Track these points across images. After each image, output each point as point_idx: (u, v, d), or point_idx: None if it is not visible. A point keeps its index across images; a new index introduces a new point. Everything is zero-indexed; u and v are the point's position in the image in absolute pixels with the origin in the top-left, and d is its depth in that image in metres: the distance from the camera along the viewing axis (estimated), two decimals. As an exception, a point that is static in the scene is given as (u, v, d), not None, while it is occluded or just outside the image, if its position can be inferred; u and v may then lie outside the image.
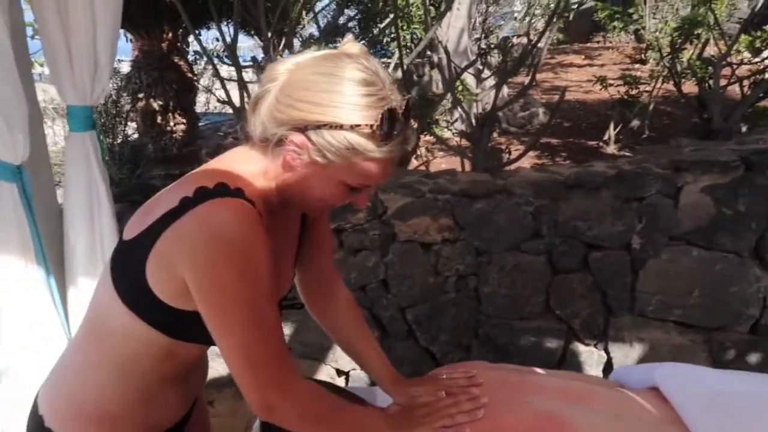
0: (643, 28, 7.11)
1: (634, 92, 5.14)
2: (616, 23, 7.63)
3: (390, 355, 1.24)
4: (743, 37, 4.58)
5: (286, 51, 3.59)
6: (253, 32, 4.17)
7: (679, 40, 4.76)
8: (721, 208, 2.28)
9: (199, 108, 5.39)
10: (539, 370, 1.20)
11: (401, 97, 0.86)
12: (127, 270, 0.87)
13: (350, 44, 0.87)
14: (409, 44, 4.34)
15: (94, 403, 0.92)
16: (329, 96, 0.80)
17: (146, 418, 0.96)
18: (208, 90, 4.66)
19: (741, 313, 2.35)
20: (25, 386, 1.95)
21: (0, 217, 2.13)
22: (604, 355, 2.49)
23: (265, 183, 0.89)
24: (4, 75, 1.87)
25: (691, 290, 2.37)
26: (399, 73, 3.16)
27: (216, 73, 3.22)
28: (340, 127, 0.80)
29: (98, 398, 0.92)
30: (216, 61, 3.56)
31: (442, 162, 5.19)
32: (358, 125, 0.80)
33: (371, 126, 0.80)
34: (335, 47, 0.91)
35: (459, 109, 3.91)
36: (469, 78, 4.50)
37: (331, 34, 4.17)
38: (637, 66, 7.80)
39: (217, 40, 3.47)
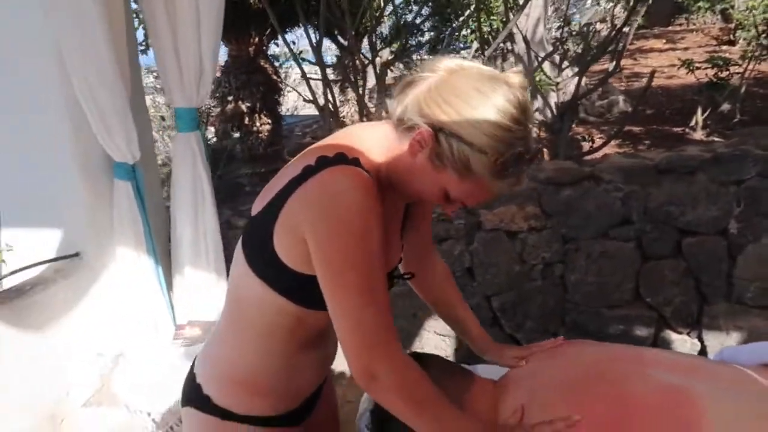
0: (732, 6, 6.75)
1: (723, 74, 4.90)
2: (701, 3, 7.29)
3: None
4: None
5: (368, 49, 3.69)
6: (336, 33, 4.30)
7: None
8: (828, 190, 2.17)
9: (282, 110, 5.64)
10: (640, 348, 1.20)
11: (534, 144, 0.89)
12: (256, 242, 0.94)
13: (514, 74, 0.89)
14: (486, 36, 4.34)
15: (243, 373, 1.02)
16: (474, 113, 0.84)
17: (288, 386, 1.04)
18: (295, 90, 4.84)
19: None
20: (140, 366, 2.16)
21: (118, 213, 2.37)
22: (698, 343, 2.43)
23: (383, 158, 0.94)
24: (112, 89, 2.09)
25: (794, 277, 2.27)
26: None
27: (303, 74, 3.36)
28: (470, 144, 0.84)
29: (246, 368, 1.02)
30: (300, 62, 3.70)
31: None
32: (485, 152, 0.84)
33: (495, 159, 0.84)
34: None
35: (539, 100, 3.89)
36: (546, 68, 4.45)
37: (406, 31, 4.26)
38: (725, 48, 7.40)
39: (294, 43, 3.61)
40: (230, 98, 4.08)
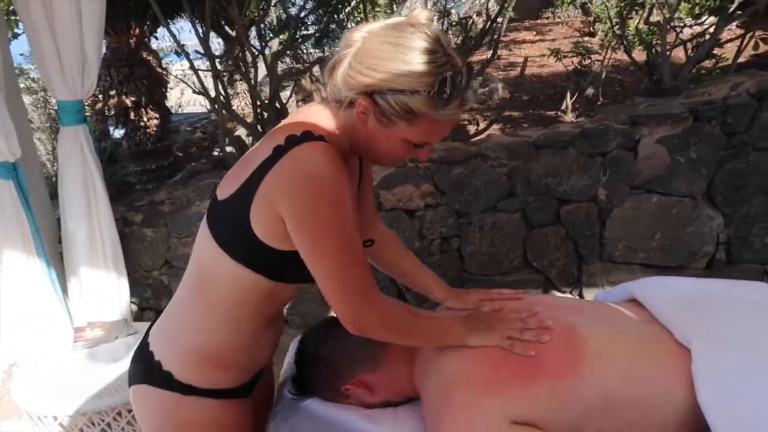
0: (590, 1, 7.40)
1: (586, 62, 5.39)
2: (564, -2, 7.91)
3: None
4: (684, 5, 4.87)
5: (256, 40, 3.68)
6: (223, 23, 4.22)
7: (625, 11, 5.02)
8: (675, 157, 2.51)
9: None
10: (546, 296, 1.38)
11: (461, 63, 0.92)
12: (230, 224, 0.98)
13: (417, 12, 0.96)
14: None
15: (209, 348, 1.05)
16: (392, 64, 0.89)
17: (249, 359, 1.10)
18: (183, 81, 4.69)
19: (698, 251, 2.61)
20: (40, 372, 2.05)
21: (1, 214, 2.22)
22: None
23: (338, 135, 1.00)
24: None
25: (652, 234, 2.61)
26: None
27: (191, 65, 3.29)
28: (401, 92, 0.89)
29: (213, 343, 1.05)
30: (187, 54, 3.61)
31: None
32: (417, 91, 0.89)
33: (428, 92, 0.89)
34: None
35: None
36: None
37: (294, 21, 4.28)
38: (587, 39, 8.08)
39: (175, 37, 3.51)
40: (112, 92, 3.87)
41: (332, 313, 1.02)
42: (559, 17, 10.24)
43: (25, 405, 1.90)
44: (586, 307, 1.33)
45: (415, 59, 0.89)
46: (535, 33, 9.64)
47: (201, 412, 1.06)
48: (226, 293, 1.01)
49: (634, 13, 5.19)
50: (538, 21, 10.63)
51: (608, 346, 1.09)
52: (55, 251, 2.51)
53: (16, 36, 3.94)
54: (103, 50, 4.15)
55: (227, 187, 1.00)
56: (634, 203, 2.59)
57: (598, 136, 2.53)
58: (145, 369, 1.08)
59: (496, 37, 3.56)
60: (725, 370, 1.03)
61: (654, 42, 3.89)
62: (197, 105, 8.82)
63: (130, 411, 1.91)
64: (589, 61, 5.42)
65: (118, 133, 4.86)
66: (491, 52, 3.54)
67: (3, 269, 2.28)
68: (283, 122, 1.05)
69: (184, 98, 8.89)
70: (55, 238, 2.56)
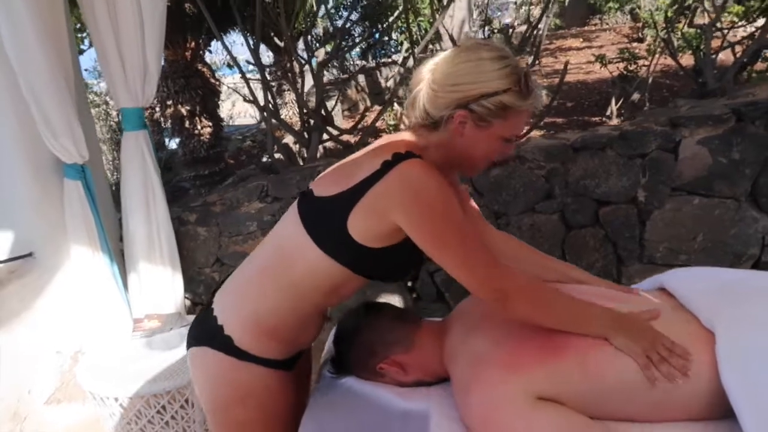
0: (639, 7, 7.30)
1: (632, 68, 5.35)
2: (611, 3, 7.85)
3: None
4: (736, 7, 4.78)
5: (303, 50, 3.84)
6: (272, 34, 4.42)
7: (673, 15, 4.97)
8: (717, 158, 2.50)
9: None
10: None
11: (525, 64, 1.11)
12: (325, 220, 1.10)
13: (464, 39, 1.14)
14: (415, 37, 4.58)
15: (268, 320, 1.16)
16: (478, 75, 1.04)
17: (298, 338, 1.22)
18: (235, 91, 4.92)
19: (742, 254, 2.57)
20: (102, 357, 2.22)
21: (70, 212, 2.42)
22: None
23: (433, 153, 1.13)
24: (56, 97, 2.16)
25: (694, 236, 2.59)
26: (411, 62, 3.39)
27: (242, 75, 3.46)
28: (495, 94, 1.03)
29: (272, 316, 1.16)
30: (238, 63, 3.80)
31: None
32: (507, 89, 1.03)
33: (517, 85, 1.04)
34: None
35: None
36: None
37: (340, 32, 4.42)
38: (635, 45, 7.98)
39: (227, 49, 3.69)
40: (169, 102, 4.12)
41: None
42: (607, 23, 10.14)
43: (89, 387, 2.07)
44: (615, 296, 1.36)
45: (495, 66, 1.04)
46: (582, 40, 9.58)
47: (253, 377, 1.17)
48: (301, 275, 1.13)
49: (683, 17, 5.12)
50: (585, 28, 10.56)
51: None
52: (117, 248, 2.70)
53: (81, 52, 4.24)
54: (162, 62, 4.43)
55: (327, 186, 1.12)
56: (675, 205, 2.58)
57: (637, 138, 2.54)
58: (208, 331, 1.19)
59: (537, 42, 3.60)
60: (749, 351, 1.05)
61: (700, 45, 3.86)
62: (248, 116, 9.18)
63: (183, 395, 2.05)
64: (635, 66, 5.38)
65: (173, 143, 5.15)
66: (532, 58, 3.58)
67: (71, 263, 2.47)
68: (385, 140, 1.17)
69: (236, 110, 9.25)
70: (117, 237, 2.75)
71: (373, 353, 1.30)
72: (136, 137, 2.55)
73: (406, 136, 1.16)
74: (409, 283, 2.86)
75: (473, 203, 1.44)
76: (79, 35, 4.20)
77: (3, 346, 2.21)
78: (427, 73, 1.09)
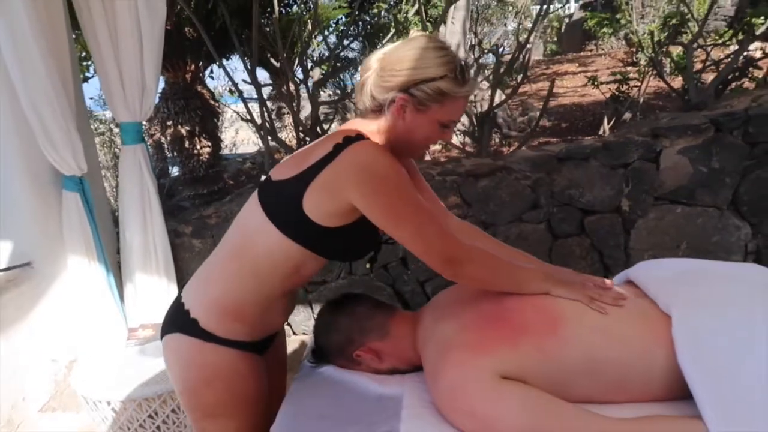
0: (632, 32, 7.46)
1: (624, 89, 5.47)
2: (605, 29, 8.02)
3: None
4: (729, 30, 4.91)
5: (299, 70, 3.96)
6: (269, 56, 4.55)
7: (662, 36, 5.10)
8: (698, 167, 2.56)
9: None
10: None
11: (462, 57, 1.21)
12: (282, 202, 1.15)
13: (415, 32, 1.22)
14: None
15: (233, 303, 1.22)
16: (419, 62, 1.12)
17: (264, 321, 1.27)
18: (237, 113, 5.04)
19: (725, 261, 2.61)
20: (96, 363, 2.26)
21: (68, 223, 2.49)
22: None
23: (380, 137, 1.21)
24: (56, 109, 2.25)
25: (678, 244, 2.64)
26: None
27: (240, 95, 3.57)
28: (433, 79, 1.12)
29: (236, 299, 1.22)
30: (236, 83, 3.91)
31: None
32: (444, 75, 1.12)
33: (454, 72, 1.12)
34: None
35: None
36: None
37: (338, 55, 4.57)
38: (629, 68, 8.13)
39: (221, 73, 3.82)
40: (169, 123, 4.23)
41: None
42: (602, 49, 10.33)
43: (82, 391, 2.11)
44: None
45: (434, 54, 1.13)
46: (578, 65, 9.76)
47: (221, 359, 1.22)
48: (261, 256, 1.18)
49: (673, 37, 5.25)
50: (582, 53, 10.76)
51: (584, 312, 1.19)
52: (113, 260, 2.77)
53: (86, 80, 4.36)
54: (162, 84, 4.56)
55: (284, 171, 1.18)
56: (659, 213, 2.63)
57: (619, 149, 2.61)
58: (177, 318, 1.25)
59: (526, 59, 3.70)
60: (700, 331, 1.11)
61: (685, 64, 3.96)
62: (251, 144, 9.32)
63: (174, 399, 2.09)
64: (627, 87, 5.49)
65: (176, 170, 5.24)
66: (520, 76, 3.68)
67: (68, 272, 2.53)
68: (338, 129, 1.24)
69: (239, 137, 9.39)
70: (114, 250, 2.82)
71: (350, 341, 1.35)
72: (134, 151, 2.63)
73: (356, 123, 1.24)
74: (400, 292, 2.91)
75: (426, 184, 1.49)
76: (83, 63, 4.33)
77: (-1, 352, 2.26)
78: (375, 62, 1.17)
